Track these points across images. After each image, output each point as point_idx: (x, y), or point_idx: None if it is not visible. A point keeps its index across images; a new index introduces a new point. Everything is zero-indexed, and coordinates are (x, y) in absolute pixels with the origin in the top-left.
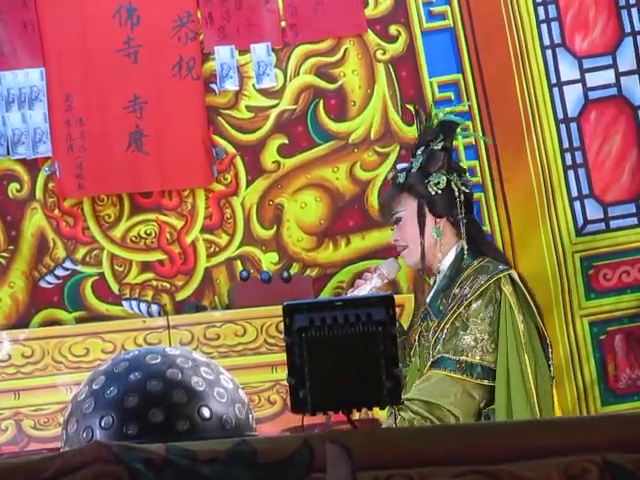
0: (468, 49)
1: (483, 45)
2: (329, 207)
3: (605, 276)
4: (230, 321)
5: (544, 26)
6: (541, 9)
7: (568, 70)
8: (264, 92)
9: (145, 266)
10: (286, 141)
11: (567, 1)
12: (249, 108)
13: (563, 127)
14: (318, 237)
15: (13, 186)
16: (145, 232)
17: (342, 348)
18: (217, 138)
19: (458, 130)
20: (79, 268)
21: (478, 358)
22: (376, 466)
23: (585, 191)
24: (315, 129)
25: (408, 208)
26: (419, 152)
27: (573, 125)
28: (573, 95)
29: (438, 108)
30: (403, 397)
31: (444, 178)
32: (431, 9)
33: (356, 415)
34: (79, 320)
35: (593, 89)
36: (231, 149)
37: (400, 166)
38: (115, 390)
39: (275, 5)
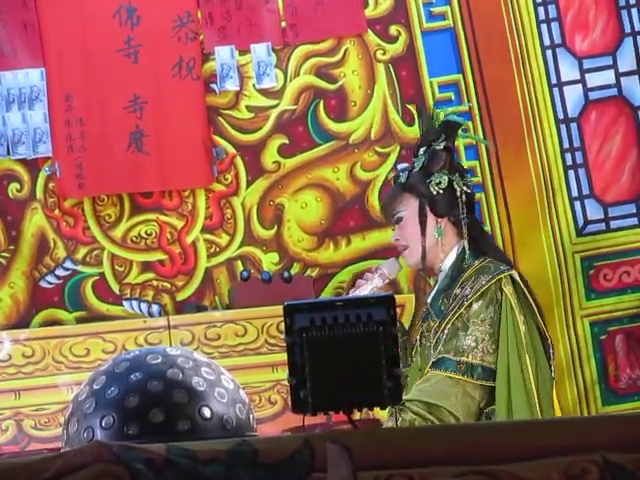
0: (468, 49)
1: (483, 45)
2: (329, 207)
3: (605, 276)
4: (231, 321)
5: (544, 26)
6: (541, 9)
7: (568, 70)
8: (264, 92)
9: (146, 266)
10: (286, 141)
11: (567, 1)
12: (249, 108)
13: (563, 127)
14: (319, 237)
15: (13, 186)
16: (145, 232)
17: (343, 348)
18: (217, 138)
19: (459, 131)
20: (79, 268)
21: (479, 359)
22: (377, 466)
23: (585, 191)
24: (315, 129)
25: (409, 208)
26: (421, 152)
27: (573, 125)
28: (573, 95)
29: (439, 108)
30: (403, 398)
31: (446, 178)
32: (431, 9)
33: (357, 415)
34: (80, 320)
35: (593, 89)
36: (231, 149)
37: (400, 166)
38: (116, 390)
39: (275, 5)
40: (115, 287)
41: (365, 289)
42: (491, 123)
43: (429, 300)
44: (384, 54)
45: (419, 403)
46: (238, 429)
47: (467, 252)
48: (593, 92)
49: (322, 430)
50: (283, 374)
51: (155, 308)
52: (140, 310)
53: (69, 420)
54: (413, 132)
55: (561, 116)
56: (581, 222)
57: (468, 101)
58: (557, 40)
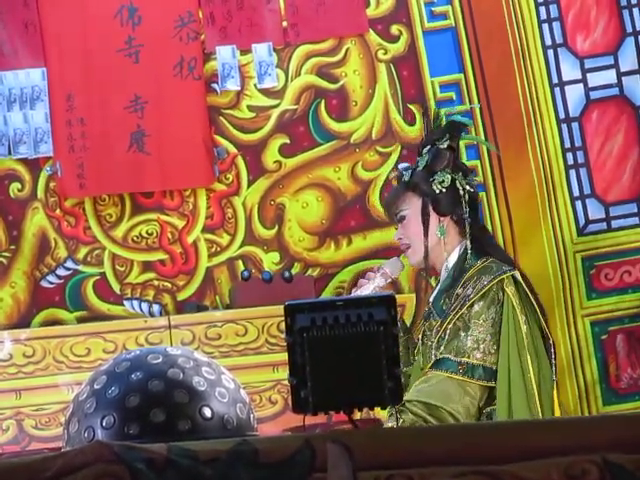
0: (469, 49)
1: (484, 45)
2: (330, 207)
3: (606, 276)
4: (231, 321)
5: (545, 26)
6: (542, 9)
7: (569, 70)
8: (265, 92)
9: (146, 266)
10: (287, 141)
11: (568, 1)
12: (250, 108)
13: (564, 127)
14: (320, 237)
15: (14, 186)
16: (146, 232)
17: (343, 348)
18: (218, 138)
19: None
20: (80, 268)
21: (480, 359)
22: (377, 466)
23: (586, 191)
24: (316, 129)
25: (412, 206)
26: (425, 151)
27: (574, 125)
28: (574, 95)
29: (443, 107)
30: (404, 398)
31: (449, 177)
32: (432, 9)
33: (357, 415)
34: (80, 320)
35: (594, 89)
36: (232, 149)
37: (401, 166)
38: (116, 390)
39: (276, 5)
40: (116, 287)
41: (367, 288)
42: (492, 123)
43: (431, 299)
44: (385, 54)
45: (418, 404)
46: (239, 429)
47: (469, 252)
48: (594, 92)
49: (323, 430)
50: (284, 374)
51: (156, 308)
52: (141, 310)
53: (70, 420)
54: (414, 132)
55: (562, 116)
56: (582, 221)
57: (470, 101)
58: (558, 40)
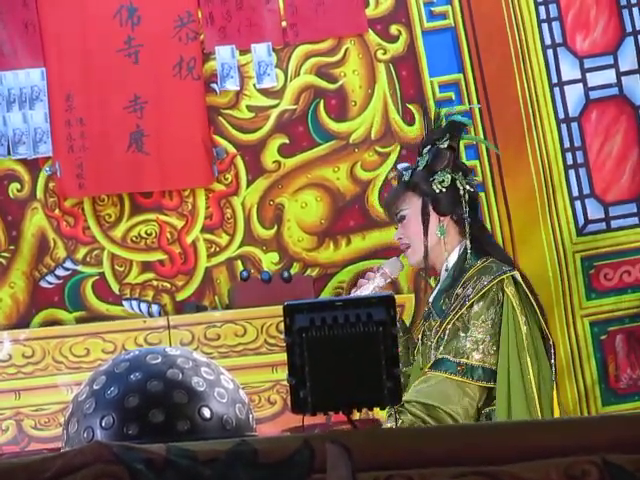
0: (469, 49)
1: (484, 45)
2: (330, 207)
3: (606, 276)
4: (230, 321)
5: (545, 25)
6: (542, 8)
7: (569, 70)
8: (265, 92)
9: (145, 266)
10: (287, 141)
11: (568, 1)
12: (250, 108)
13: (564, 127)
14: (319, 237)
15: (14, 186)
16: (145, 232)
17: (342, 348)
18: (218, 138)
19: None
20: (79, 268)
21: (479, 360)
22: (376, 467)
23: (586, 191)
24: (316, 129)
25: (412, 206)
26: (425, 151)
27: (574, 125)
28: (574, 95)
29: (443, 107)
30: (403, 398)
31: (449, 177)
32: (432, 9)
33: (356, 415)
34: (79, 320)
35: (594, 89)
36: (232, 149)
37: (401, 166)
38: (116, 390)
39: (276, 5)
40: (115, 287)
41: (367, 288)
42: (491, 122)
43: (430, 299)
44: (384, 54)
45: (417, 404)
46: (238, 429)
47: (469, 252)
48: (594, 91)
49: (322, 430)
50: (283, 374)
51: (155, 308)
52: (140, 310)
53: (69, 420)
54: (413, 132)
55: (562, 115)
56: (581, 221)
57: (469, 101)
58: (558, 39)
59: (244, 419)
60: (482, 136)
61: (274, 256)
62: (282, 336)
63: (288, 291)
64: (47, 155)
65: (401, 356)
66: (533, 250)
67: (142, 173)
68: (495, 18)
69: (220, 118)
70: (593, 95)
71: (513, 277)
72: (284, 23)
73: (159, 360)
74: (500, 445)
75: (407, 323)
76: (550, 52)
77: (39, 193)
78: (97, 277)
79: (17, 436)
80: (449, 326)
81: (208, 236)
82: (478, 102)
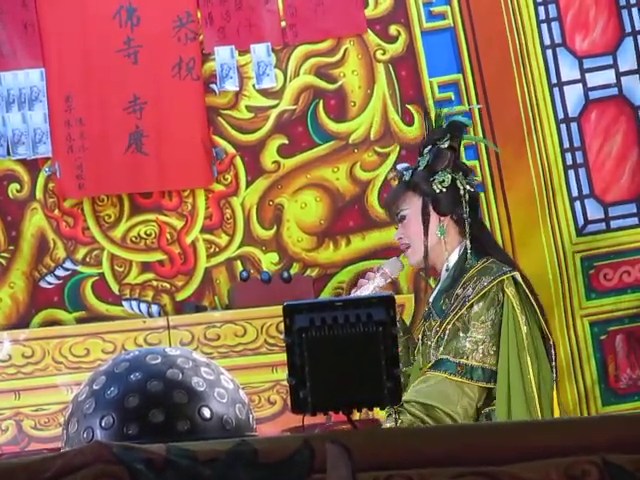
0: (468, 49)
1: (483, 45)
2: (329, 207)
3: (606, 276)
4: (230, 321)
5: (544, 26)
6: (541, 9)
7: (568, 70)
8: (264, 92)
9: (145, 266)
10: (286, 141)
11: (567, 1)
12: (249, 108)
13: (564, 127)
14: (318, 237)
15: (13, 186)
16: (145, 232)
17: (342, 348)
18: (217, 138)
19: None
20: (79, 268)
21: (479, 361)
22: (376, 467)
23: (586, 191)
24: (315, 129)
25: (413, 206)
26: (426, 151)
27: (574, 125)
28: (573, 95)
29: (444, 108)
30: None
31: (449, 176)
32: (431, 9)
33: (356, 415)
34: (79, 320)
35: (593, 89)
36: (231, 149)
37: (400, 166)
38: (115, 390)
39: (275, 5)
40: (115, 287)
41: (367, 288)
42: (491, 123)
43: (430, 300)
44: (384, 54)
45: (416, 404)
46: (238, 429)
47: (469, 252)
48: (593, 92)
49: (322, 430)
50: (282, 374)
51: (155, 308)
52: (140, 310)
53: (69, 420)
54: (413, 132)
55: (561, 116)
56: (581, 222)
57: (468, 101)
58: (557, 40)
59: (244, 419)
60: (481, 136)
61: (274, 256)
62: (282, 336)
63: (288, 291)
64: (46, 155)
65: (401, 356)
66: (533, 250)
67: (141, 173)
68: (494, 18)
69: (219, 118)
70: (593, 95)
71: (513, 278)
72: (283, 23)
73: (159, 360)
74: (500, 445)
75: (407, 323)
76: (549, 52)
77: (39, 193)
78: (97, 277)
79: (17, 436)
80: (449, 326)
81: (208, 236)
82: (477, 102)
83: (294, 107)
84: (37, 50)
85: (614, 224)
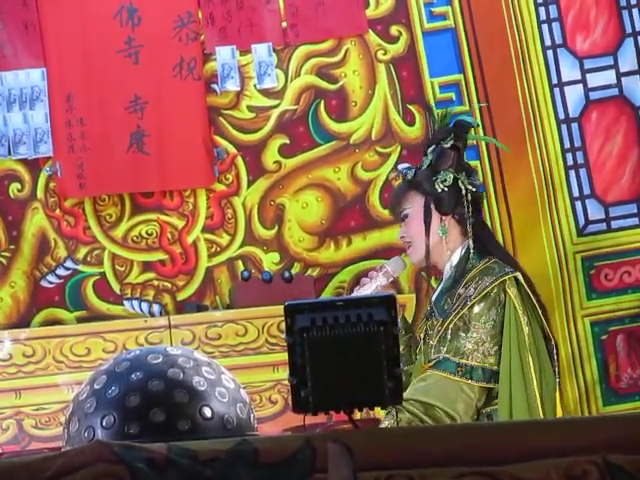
0: (469, 49)
1: (484, 45)
2: (330, 207)
3: (606, 276)
4: (231, 321)
5: (545, 26)
6: (542, 9)
7: (569, 70)
8: (265, 92)
9: (146, 266)
10: (287, 141)
11: (568, 1)
12: (250, 108)
13: (564, 127)
14: (319, 237)
15: (14, 186)
16: (146, 232)
17: (343, 348)
18: (218, 138)
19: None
20: (80, 268)
21: (479, 361)
22: (377, 466)
23: (586, 191)
24: (316, 129)
25: (415, 205)
26: (429, 150)
27: (574, 125)
28: (574, 95)
29: (448, 107)
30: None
31: (451, 176)
32: (432, 9)
33: (358, 415)
34: (80, 320)
35: (594, 89)
36: (232, 149)
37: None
38: (116, 390)
39: (276, 5)
40: (116, 287)
41: (369, 287)
42: (492, 123)
43: (433, 299)
44: (385, 54)
45: (415, 402)
46: (239, 429)
47: (472, 252)
48: (594, 92)
49: (323, 430)
50: (284, 374)
51: (156, 308)
52: (141, 310)
53: (70, 419)
54: (414, 132)
55: (562, 116)
56: (582, 222)
57: (469, 101)
58: (558, 40)
59: (245, 418)
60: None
61: (275, 256)
62: (283, 336)
63: (289, 291)
64: (47, 155)
65: (403, 355)
66: (533, 250)
67: (143, 173)
68: (495, 19)
69: (221, 118)
70: (593, 96)
71: (515, 278)
72: (284, 24)
73: (160, 360)
74: (500, 445)
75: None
76: (550, 53)
77: (39, 193)
78: (98, 277)
79: (18, 435)
80: (450, 326)
81: (209, 236)
82: (479, 102)
83: (295, 107)
84: (38, 50)
85: (615, 224)
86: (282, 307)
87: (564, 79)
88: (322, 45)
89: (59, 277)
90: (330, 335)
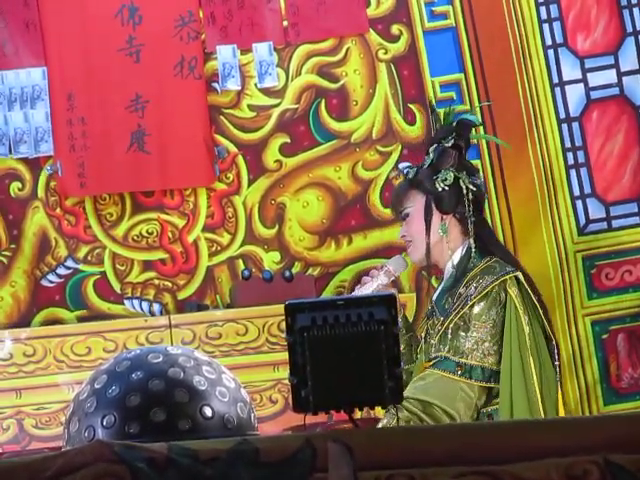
0: (470, 49)
1: (485, 45)
2: (331, 206)
3: (607, 275)
4: (232, 320)
5: (546, 26)
6: (543, 9)
7: (570, 70)
8: (266, 91)
9: (147, 265)
10: (288, 140)
11: (569, 1)
12: (251, 107)
13: (565, 126)
14: (320, 236)
15: (15, 185)
16: (147, 231)
17: (344, 347)
18: (219, 137)
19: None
20: (81, 267)
21: (478, 360)
22: (377, 466)
23: (587, 190)
24: (317, 128)
25: (416, 204)
26: (431, 149)
27: (575, 124)
28: (575, 95)
29: (448, 106)
30: None
31: (451, 175)
32: (433, 9)
33: (358, 414)
34: (81, 319)
35: (595, 89)
36: (233, 148)
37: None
38: (117, 389)
39: (277, 4)
40: (116, 286)
41: (370, 286)
42: (493, 122)
43: (434, 298)
44: (386, 53)
45: (414, 401)
46: (239, 428)
47: (473, 251)
48: (595, 91)
49: (323, 429)
50: (284, 373)
51: (156, 307)
52: (141, 309)
53: (70, 419)
54: (415, 131)
55: (563, 115)
56: (583, 221)
57: (470, 101)
58: (559, 39)
59: (245, 418)
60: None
61: (275, 255)
62: (284, 335)
63: (289, 290)
64: (48, 154)
65: (404, 354)
66: (534, 250)
67: (143, 172)
68: (496, 18)
69: (221, 117)
70: (594, 95)
71: (516, 277)
72: (285, 23)
73: (160, 359)
74: (501, 445)
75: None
76: (551, 52)
77: (40, 192)
78: (98, 276)
79: (18, 435)
80: (451, 325)
81: (209, 235)
82: (479, 102)
83: (296, 106)
84: (39, 49)
85: (615, 223)
86: (283, 306)
87: (565, 78)
88: (323, 44)
89: (60, 276)
90: (330, 334)
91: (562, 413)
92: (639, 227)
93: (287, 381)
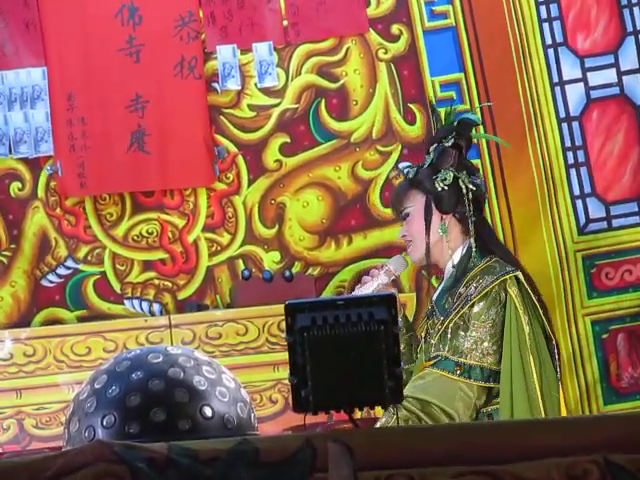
0: (470, 48)
1: (485, 44)
2: (331, 206)
3: (607, 275)
4: (232, 320)
5: (546, 25)
6: (543, 8)
7: (570, 69)
8: (266, 91)
9: (147, 265)
10: (288, 140)
11: (569, 0)
12: (251, 107)
13: (565, 126)
14: (320, 236)
15: (15, 185)
16: (147, 231)
17: (344, 347)
18: (219, 137)
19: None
20: (81, 267)
21: (477, 360)
22: (377, 466)
23: (587, 190)
24: (317, 128)
25: (416, 204)
26: (431, 149)
27: (575, 124)
28: (575, 94)
29: (449, 105)
30: None
31: (451, 174)
32: (433, 8)
33: (358, 414)
34: (81, 319)
35: (595, 88)
36: (233, 148)
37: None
38: (117, 389)
39: (277, 4)
40: (116, 286)
41: (371, 286)
42: (493, 122)
43: (434, 298)
44: (386, 53)
45: (412, 400)
46: (239, 428)
47: (474, 250)
48: (595, 91)
49: (323, 429)
50: (284, 373)
51: (156, 307)
52: (141, 309)
53: (70, 419)
54: (415, 131)
55: (563, 115)
56: (583, 220)
57: (470, 100)
58: (559, 39)
59: (245, 418)
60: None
61: (275, 255)
62: (284, 335)
63: (289, 290)
64: (48, 154)
65: (404, 353)
66: (534, 249)
67: (143, 172)
68: (496, 17)
69: (221, 117)
70: (594, 94)
71: (516, 277)
72: (285, 22)
73: (160, 359)
74: (501, 444)
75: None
76: (551, 51)
77: (40, 192)
78: (98, 276)
79: (18, 435)
80: (451, 324)
81: (209, 235)
82: (479, 101)
83: (296, 106)
84: (39, 49)
85: (615, 223)
86: (283, 306)
87: (565, 78)
88: (323, 44)
89: (60, 276)
90: (330, 334)
91: (564, 413)
92: (639, 227)
93: (287, 381)
